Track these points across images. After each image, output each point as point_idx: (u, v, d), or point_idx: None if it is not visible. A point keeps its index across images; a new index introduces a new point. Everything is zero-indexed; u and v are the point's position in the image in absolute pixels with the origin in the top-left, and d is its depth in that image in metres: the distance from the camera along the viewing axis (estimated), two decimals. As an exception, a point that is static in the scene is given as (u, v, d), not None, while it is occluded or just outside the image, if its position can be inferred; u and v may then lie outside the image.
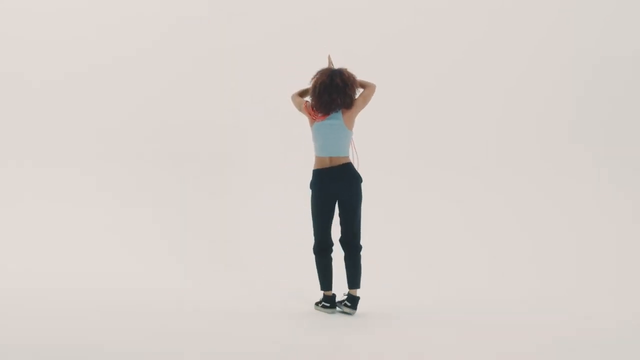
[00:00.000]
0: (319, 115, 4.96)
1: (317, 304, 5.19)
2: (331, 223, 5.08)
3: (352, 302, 5.02)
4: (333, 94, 4.88)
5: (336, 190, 4.97)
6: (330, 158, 4.98)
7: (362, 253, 5.08)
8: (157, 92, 7.28)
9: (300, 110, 5.13)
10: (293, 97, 5.21)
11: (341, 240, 5.08)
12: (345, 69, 5.01)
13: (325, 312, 5.09)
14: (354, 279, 5.03)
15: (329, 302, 5.09)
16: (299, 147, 6.43)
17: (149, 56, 7.29)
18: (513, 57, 7.27)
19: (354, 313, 5.02)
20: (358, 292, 5.07)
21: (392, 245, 5.95)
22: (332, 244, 5.12)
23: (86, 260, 6.55)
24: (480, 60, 7.27)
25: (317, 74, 5.00)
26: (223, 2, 7.29)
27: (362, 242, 5.10)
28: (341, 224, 5.07)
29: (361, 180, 5.02)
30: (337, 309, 5.09)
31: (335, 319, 4.94)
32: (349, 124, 4.99)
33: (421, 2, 7.29)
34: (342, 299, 5.12)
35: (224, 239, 6.86)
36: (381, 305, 5.28)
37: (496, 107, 7.26)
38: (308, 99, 5.10)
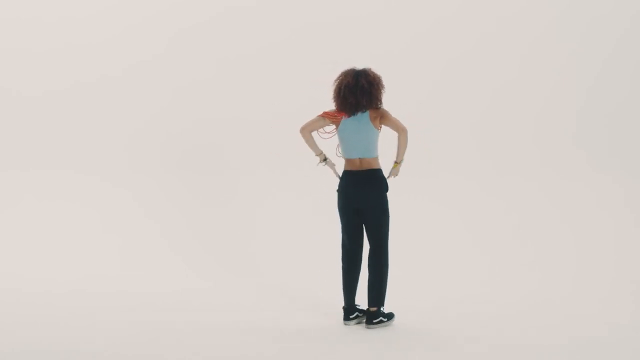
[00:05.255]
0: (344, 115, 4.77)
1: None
2: (359, 229, 4.86)
3: (369, 317, 4.80)
4: (359, 95, 4.69)
5: (356, 198, 4.79)
6: (360, 160, 4.79)
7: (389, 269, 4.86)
8: (165, 97, 7.26)
9: (324, 124, 4.83)
10: (307, 127, 4.85)
11: (369, 254, 4.86)
12: (370, 69, 4.79)
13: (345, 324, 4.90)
14: (374, 297, 4.78)
15: (345, 314, 4.90)
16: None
17: (154, 63, 7.29)
18: (514, 59, 7.28)
19: (371, 327, 4.78)
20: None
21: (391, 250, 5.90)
22: (358, 252, 4.90)
23: (91, 262, 6.53)
24: (481, 64, 7.28)
25: (341, 75, 4.78)
26: (231, 8, 7.29)
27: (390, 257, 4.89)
28: (367, 236, 4.87)
29: (386, 190, 4.79)
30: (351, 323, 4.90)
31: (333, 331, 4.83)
32: (376, 124, 4.78)
33: (419, 7, 7.29)
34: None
35: (236, 244, 6.82)
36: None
37: (496, 110, 7.27)
38: (326, 110, 4.86)
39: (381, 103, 4.81)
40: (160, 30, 7.30)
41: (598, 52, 7.31)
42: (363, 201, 4.78)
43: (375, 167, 4.81)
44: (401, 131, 4.78)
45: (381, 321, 4.79)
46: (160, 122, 7.24)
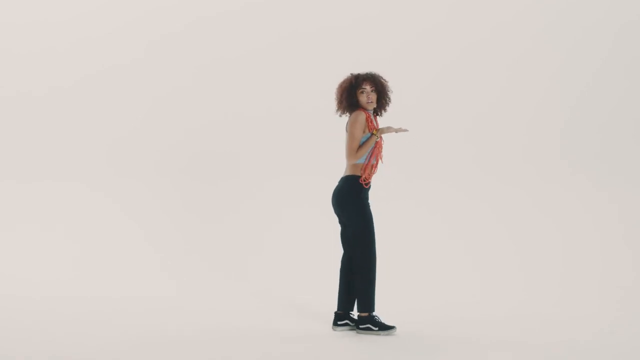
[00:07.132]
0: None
1: None
2: (344, 232, 4.90)
3: (356, 322, 4.82)
4: (343, 99, 4.83)
5: (333, 201, 4.88)
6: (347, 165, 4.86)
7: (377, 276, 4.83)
8: (161, 97, 7.21)
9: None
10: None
11: None
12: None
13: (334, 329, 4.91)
14: (358, 302, 4.80)
15: (334, 318, 4.92)
16: (313, 158, 6.53)
17: (148, 63, 7.24)
18: (502, 64, 7.29)
19: (360, 332, 4.78)
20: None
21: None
22: (348, 261, 4.90)
23: (87, 267, 6.52)
24: (469, 68, 7.28)
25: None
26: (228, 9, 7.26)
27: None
28: None
29: (352, 197, 4.75)
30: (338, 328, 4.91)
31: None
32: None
33: (411, 13, 7.29)
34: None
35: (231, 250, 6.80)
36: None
37: (483, 114, 7.25)
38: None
39: (345, 107, 4.83)
40: (142, 35, 7.22)
41: (589, 61, 7.32)
42: (335, 206, 4.85)
43: (352, 173, 4.79)
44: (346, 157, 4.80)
45: (369, 328, 4.75)
46: (164, 130, 7.17)
